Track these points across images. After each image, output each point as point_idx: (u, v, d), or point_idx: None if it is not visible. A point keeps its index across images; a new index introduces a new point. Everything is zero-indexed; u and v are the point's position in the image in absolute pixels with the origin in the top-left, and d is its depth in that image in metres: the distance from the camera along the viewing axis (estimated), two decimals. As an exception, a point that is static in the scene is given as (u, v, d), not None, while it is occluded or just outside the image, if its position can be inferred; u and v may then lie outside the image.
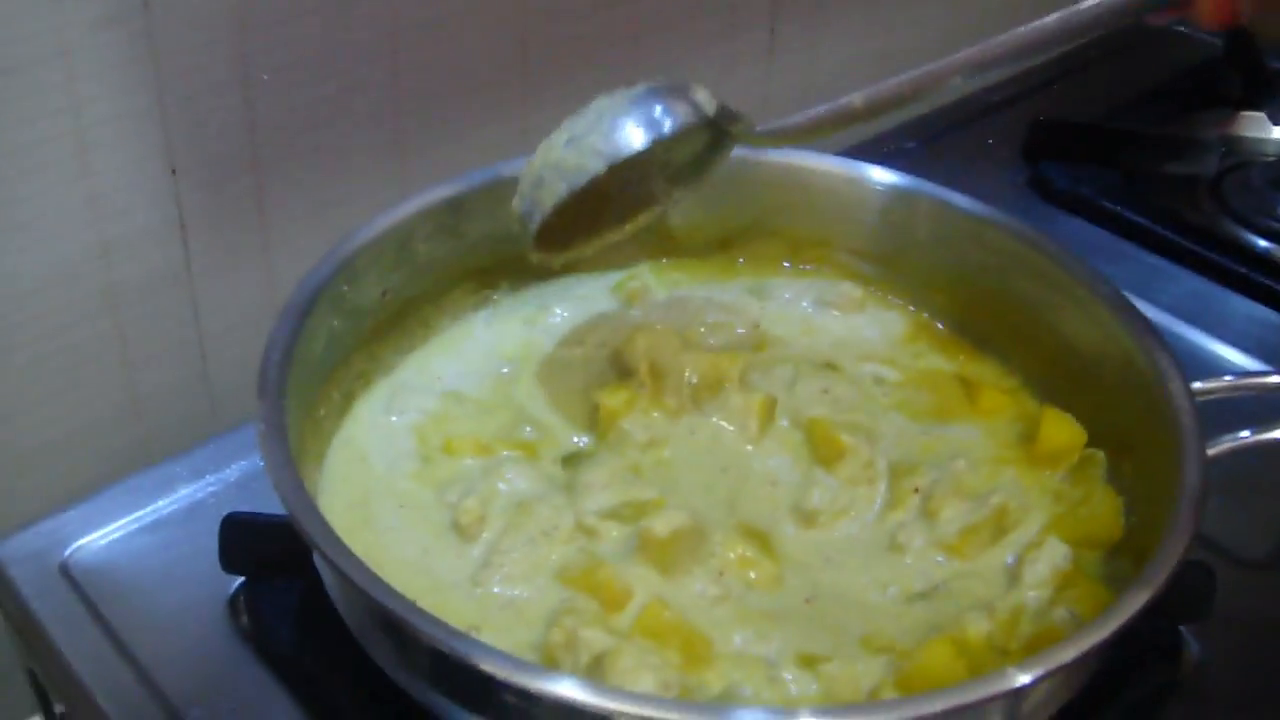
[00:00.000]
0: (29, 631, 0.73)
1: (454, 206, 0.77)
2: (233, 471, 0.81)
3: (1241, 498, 0.81)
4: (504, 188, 0.78)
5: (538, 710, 0.57)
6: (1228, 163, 1.15)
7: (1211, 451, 0.65)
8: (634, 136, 0.67)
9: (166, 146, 0.85)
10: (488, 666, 0.54)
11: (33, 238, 0.82)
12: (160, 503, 0.79)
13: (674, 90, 0.69)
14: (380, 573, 0.56)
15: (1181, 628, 0.73)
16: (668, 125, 0.67)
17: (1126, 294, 0.74)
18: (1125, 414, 0.70)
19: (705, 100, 0.70)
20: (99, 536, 0.77)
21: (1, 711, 0.94)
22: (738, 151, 0.76)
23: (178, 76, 0.83)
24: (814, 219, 0.83)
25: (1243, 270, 1.02)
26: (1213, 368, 0.88)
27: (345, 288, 0.72)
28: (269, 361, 0.64)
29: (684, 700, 0.59)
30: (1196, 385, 0.68)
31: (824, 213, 0.82)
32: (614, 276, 0.86)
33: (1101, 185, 1.11)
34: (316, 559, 0.63)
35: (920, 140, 1.18)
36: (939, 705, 0.53)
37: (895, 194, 0.82)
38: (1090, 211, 1.09)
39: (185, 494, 0.79)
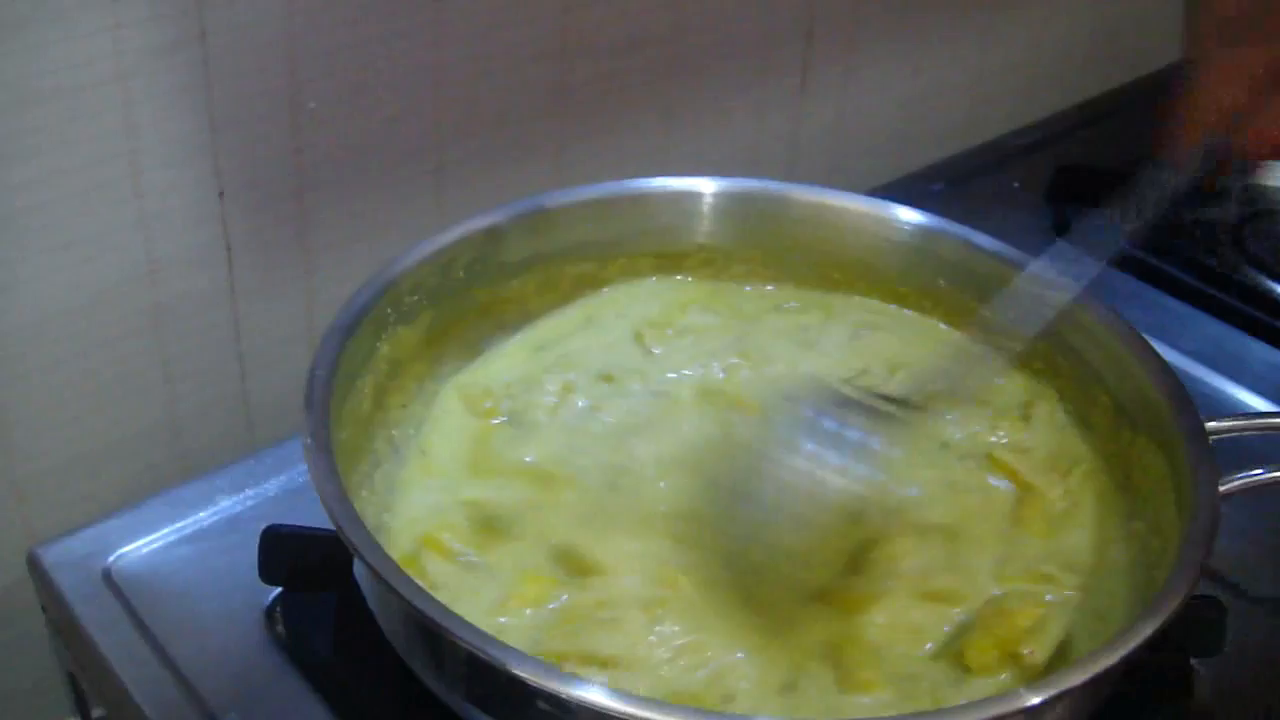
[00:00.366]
0: (71, 635, 0.76)
1: (494, 234, 0.79)
2: (271, 486, 0.83)
3: (1255, 537, 0.82)
4: (544, 218, 0.81)
5: (570, 718, 0.58)
6: (1249, 210, 1.16)
7: (1224, 488, 0.66)
8: None
9: (215, 170, 0.88)
10: (525, 674, 0.56)
11: (84, 255, 0.85)
12: (201, 514, 0.81)
13: None
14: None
15: (1193, 662, 0.74)
16: None
17: (1149, 337, 0.76)
18: (1138, 449, 0.72)
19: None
20: (142, 545, 0.79)
21: (39, 715, 0.96)
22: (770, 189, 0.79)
23: (229, 103, 0.86)
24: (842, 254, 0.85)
25: (1263, 316, 1.03)
26: (1233, 412, 0.90)
27: (388, 310, 0.74)
28: (315, 377, 0.66)
29: (716, 711, 0.61)
30: (1210, 424, 0.69)
31: (851, 250, 0.84)
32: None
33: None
34: (357, 568, 0.65)
35: (946, 182, 1.20)
36: (953, 722, 0.55)
37: (920, 233, 0.84)
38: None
39: (225, 506, 0.82)
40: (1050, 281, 0.71)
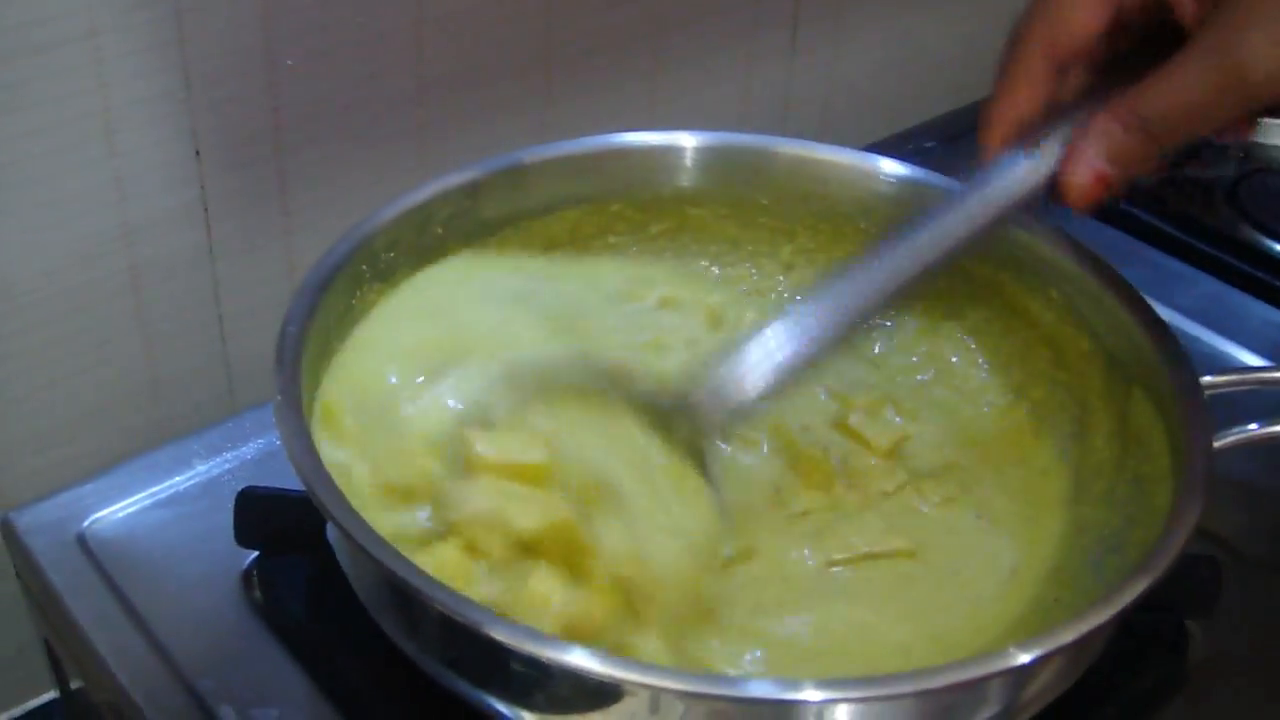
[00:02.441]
0: (45, 600, 0.74)
1: (472, 190, 0.78)
2: (249, 450, 0.81)
3: (1251, 497, 0.81)
4: (524, 174, 0.80)
5: (554, 683, 0.57)
6: (1246, 168, 1.14)
7: (1218, 443, 0.65)
8: None
9: (192, 129, 0.86)
10: (502, 637, 0.54)
11: (57, 216, 0.83)
12: (177, 478, 0.80)
13: None
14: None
15: (1186, 622, 0.73)
16: None
17: (1143, 295, 0.74)
18: (1132, 403, 0.71)
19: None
20: (116, 509, 0.78)
21: (18, 687, 0.95)
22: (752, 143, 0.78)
23: (205, 60, 0.84)
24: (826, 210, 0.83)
25: (1260, 274, 1.02)
26: (1231, 369, 0.88)
27: (364, 268, 0.72)
28: (286, 334, 0.64)
29: (702, 673, 0.60)
30: (1205, 379, 0.68)
31: (837, 204, 0.83)
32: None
33: (1122, 189, 1.11)
34: (330, 529, 0.64)
35: (939, 140, 1.18)
36: (937, 682, 0.54)
37: (906, 186, 0.82)
38: (1106, 213, 1.08)
39: (202, 470, 0.80)
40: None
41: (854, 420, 0.75)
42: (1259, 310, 1.00)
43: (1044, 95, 0.65)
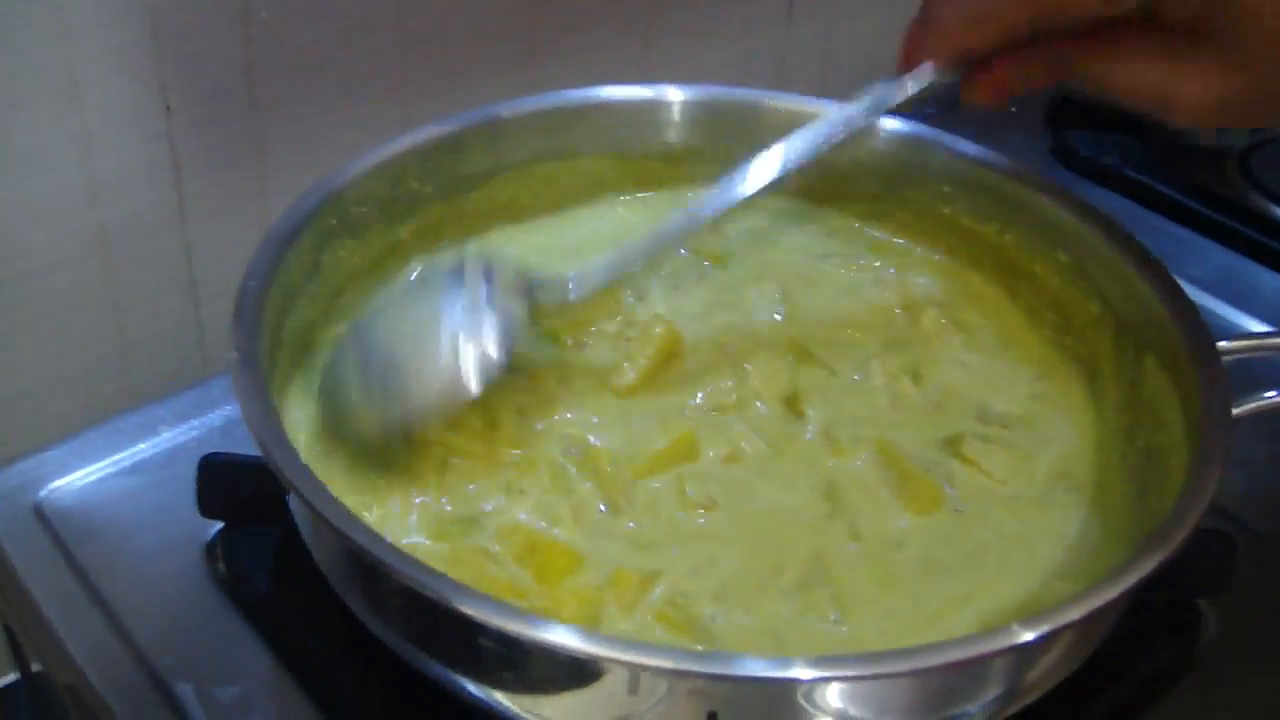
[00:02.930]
0: (1, 574, 0.71)
1: (451, 145, 0.74)
2: (216, 416, 0.78)
3: (1265, 471, 0.78)
4: (502, 128, 0.76)
5: (528, 661, 0.54)
6: (1258, 137, 1.11)
7: (1236, 411, 0.61)
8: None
9: (161, 84, 0.83)
10: (471, 612, 0.51)
11: (19, 172, 0.80)
12: (141, 445, 0.76)
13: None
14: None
15: (1199, 602, 0.70)
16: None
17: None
18: (1143, 371, 0.67)
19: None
20: (76, 478, 0.74)
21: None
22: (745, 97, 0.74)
23: (174, 11, 0.81)
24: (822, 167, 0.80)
25: (1271, 243, 1.00)
26: (1247, 334, 0.86)
27: (334, 221, 0.69)
28: (247, 289, 0.61)
29: (681, 649, 0.56)
30: (1221, 344, 0.64)
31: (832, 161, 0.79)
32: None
33: (1127, 155, 1.08)
34: (290, 497, 0.60)
35: (941, 106, 1.14)
36: (937, 660, 0.50)
37: (908, 143, 0.78)
38: (1115, 182, 1.06)
39: (167, 437, 0.77)
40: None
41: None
42: (1270, 280, 0.98)
43: (996, 39, 0.62)
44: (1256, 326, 0.91)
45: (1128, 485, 0.65)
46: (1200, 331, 0.65)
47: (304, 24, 0.86)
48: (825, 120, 0.68)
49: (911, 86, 0.66)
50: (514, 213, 0.78)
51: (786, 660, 0.50)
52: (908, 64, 0.66)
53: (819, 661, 0.50)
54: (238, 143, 0.88)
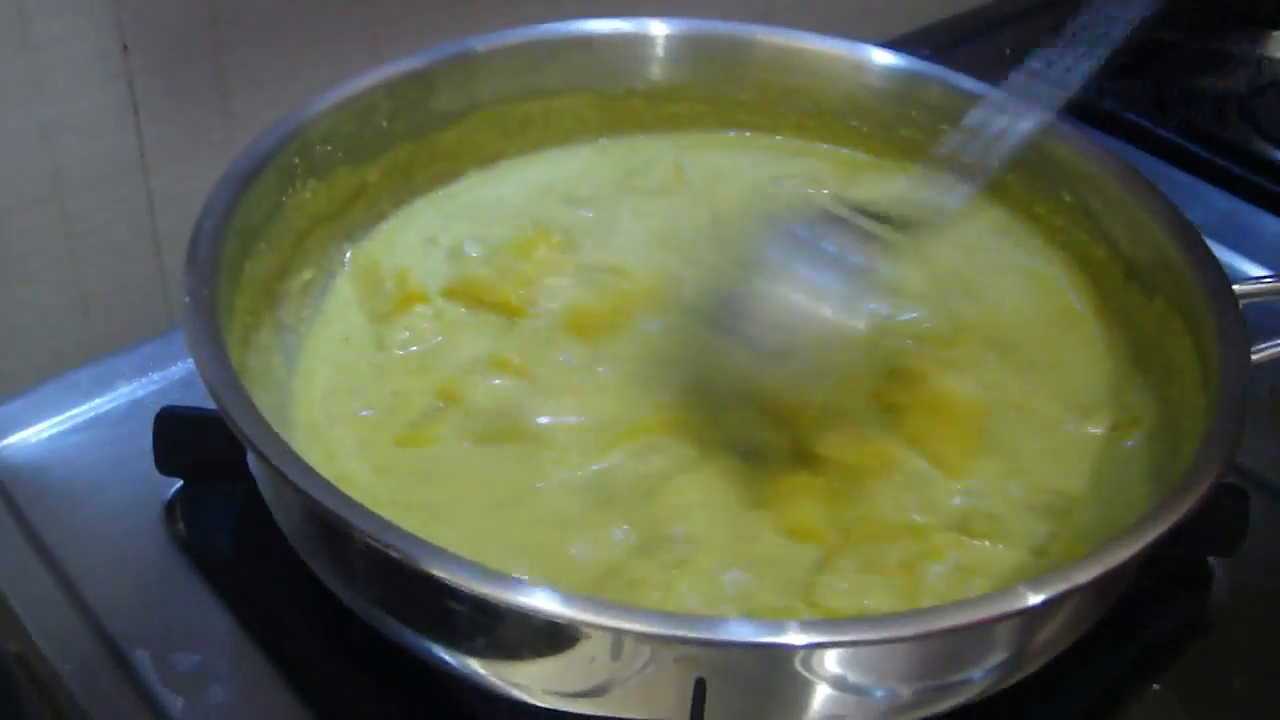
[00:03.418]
0: (-51, 536, 0.67)
1: (423, 81, 0.70)
2: (178, 369, 0.74)
3: (1275, 423, 0.75)
4: (476, 62, 0.72)
5: (503, 626, 0.51)
6: (1260, 81, 1.09)
7: (1256, 356, 0.58)
8: None
9: (117, 22, 0.79)
10: (439, 572, 0.47)
11: (-34, 115, 0.76)
12: (98, 400, 0.72)
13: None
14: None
15: (1211, 560, 0.67)
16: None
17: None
18: (1163, 315, 0.64)
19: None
20: (29, 434, 0.70)
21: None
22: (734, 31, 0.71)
23: (130, -58, 0.77)
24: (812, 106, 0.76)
25: (1273, 188, 0.97)
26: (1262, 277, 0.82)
27: (296, 160, 0.65)
28: (201, 229, 0.57)
29: (668, 614, 0.52)
30: (1236, 287, 0.61)
31: (824, 99, 0.76)
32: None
33: (1129, 99, 1.05)
34: (248, 453, 0.57)
35: (935, 48, 1.11)
36: (942, 624, 0.47)
37: (906, 78, 0.75)
38: (1116, 126, 1.03)
39: (125, 391, 0.73)
40: (1010, 112, 0.65)
41: None
42: (1272, 224, 0.95)
43: None
44: (1257, 271, 0.89)
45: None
46: (1216, 272, 0.62)
47: (269, -43, 0.82)
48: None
49: None
50: (489, 154, 0.74)
51: (780, 624, 0.47)
52: None
53: (814, 626, 0.47)
54: (200, 83, 0.84)
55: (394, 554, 0.47)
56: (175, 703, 0.58)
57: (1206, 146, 1.01)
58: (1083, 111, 1.04)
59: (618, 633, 0.48)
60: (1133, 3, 0.64)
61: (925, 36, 1.14)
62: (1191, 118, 1.04)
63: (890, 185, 0.71)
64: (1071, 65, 0.64)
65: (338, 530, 0.50)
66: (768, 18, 1.11)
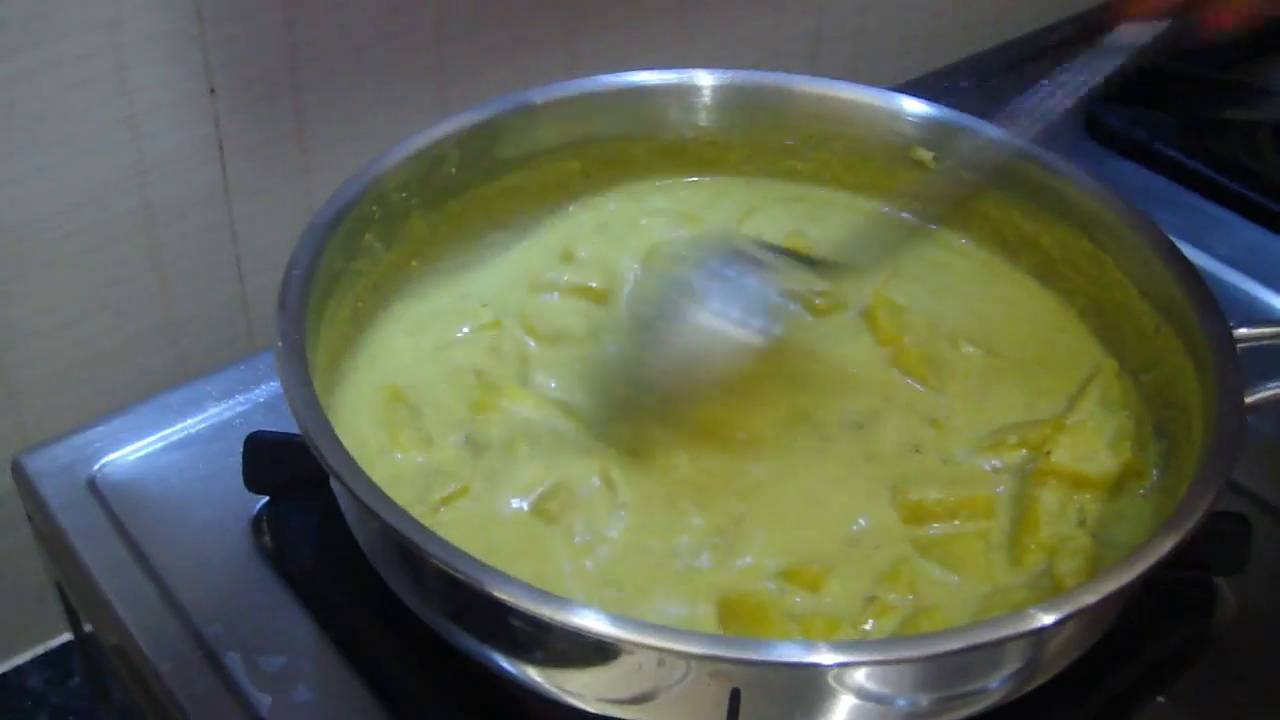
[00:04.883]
0: (55, 544, 0.74)
1: (484, 131, 0.76)
2: (262, 392, 0.80)
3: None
4: (535, 114, 0.78)
5: (553, 640, 0.56)
6: (1292, 112, 1.11)
7: (1251, 399, 0.63)
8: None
9: (206, 66, 0.84)
10: (503, 595, 0.53)
11: (69, 154, 0.82)
12: (189, 421, 0.79)
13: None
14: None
15: (1215, 581, 0.71)
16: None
17: (1181, 242, 0.72)
18: (1164, 354, 0.69)
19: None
20: (128, 452, 0.77)
21: (39, 628, 0.95)
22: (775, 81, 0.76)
23: (218, -6, 0.83)
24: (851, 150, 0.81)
25: (1306, 223, 0.99)
26: (1270, 319, 0.86)
27: (374, 208, 0.71)
28: (290, 277, 0.63)
29: (709, 634, 0.58)
30: (1240, 331, 0.66)
31: (861, 144, 0.80)
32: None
33: (1160, 130, 1.07)
34: (332, 481, 0.63)
35: (974, 79, 1.15)
36: (956, 644, 0.52)
37: (933, 127, 0.80)
38: (1147, 157, 1.06)
39: (214, 413, 0.79)
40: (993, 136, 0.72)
41: None
42: (1301, 258, 0.97)
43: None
44: (1286, 305, 0.91)
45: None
46: (1215, 316, 0.66)
47: (344, 6, 0.88)
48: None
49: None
50: (550, 196, 0.80)
51: (811, 645, 0.52)
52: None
53: (843, 647, 0.52)
54: (280, 122, 0.90)
55: (463, 578, 0.53)
56: (264, 701, 0.64)
57: (1236, 178, 1.03)
58: (1114, 141, 1.08)
59: (660, 651, 0.53)
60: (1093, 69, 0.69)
61: (966, 68, 1.17)
62: (1221, 149, 1.05)
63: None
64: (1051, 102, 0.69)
65: (412, 554, 0.56)
66: (815, 58, 1.16)
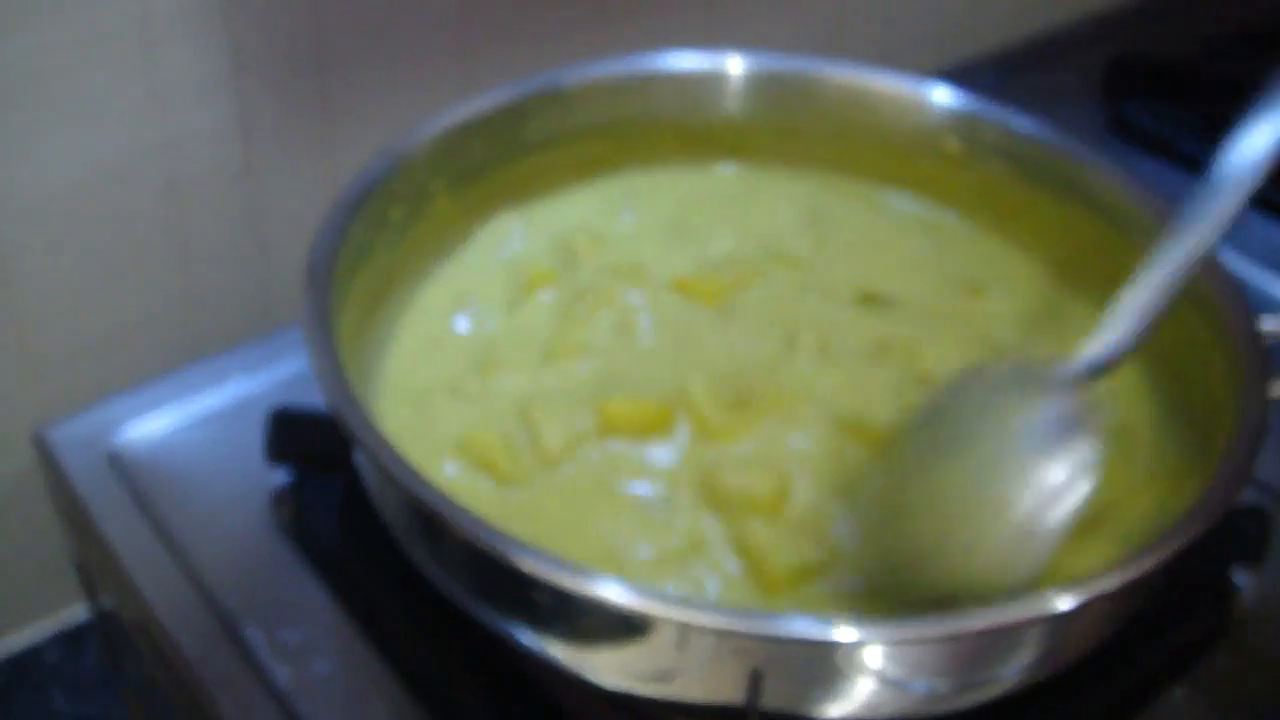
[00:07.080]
0: (76, 517, 0.74)
1: (511, 111, 0.76)
2: (284, 368, 0.81)
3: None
4: (564, 95, 0.78)
5: (576, 612, 0.56)
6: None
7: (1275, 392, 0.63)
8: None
9: (232, 44, 0.85)
10: (527, 568, 0.53)
11: (95, 129, 0.82)
12: (211, 396, 0.79)
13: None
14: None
15: (1233, 570, 0.71)
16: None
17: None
18: (1188, 346, 0.69)
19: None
20: (149, 426, 0.77)
21: (56, 602, 0.95)
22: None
23: (245, -28, 0.83)
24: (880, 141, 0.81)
25: (1332, 222, 0.99)
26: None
27: (399, 187, 0.71)
28: (317, 252, 0.63)
29: (730, 608, 0.58)
30: (1266, 323, 0.66)
31: (887, 133, 0.80)
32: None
33: (1186, 126, 1.07)
34: (356, 453, 0.63)
35: (997, 74, 1.15)
36: (974, 625, 0.52)
37: (959, 116, 0.80)
38: (1172, 153, 1.05)
39: (236, 388, 0.80)
40: None
41: None
42: (1335, 257, 0.97)
43: None
44: (1313, 304, 0.91)
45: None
46: (1242, 307, 0.66)
47: (371, -16, 0.88)
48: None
49: None
50: (572, 177, 0.80)
51: (829, 623, 0.52)
52: None
53: (861, 626, 0.52)
54: (305, 101, 0.90)
55: (487, 549, 0.53)
56: (283, 673, 0.65)
57: (1266, 176, 1.03)
58: (1138, 137, 1.08)
59: (683, 626, 0.53)
60: None
61: (992, 60, 1.17)
62: (1246, 146, 1.06)
63: None
64: None
65: (436, 525, 0.56)
66: (838, 53, 1.15)
